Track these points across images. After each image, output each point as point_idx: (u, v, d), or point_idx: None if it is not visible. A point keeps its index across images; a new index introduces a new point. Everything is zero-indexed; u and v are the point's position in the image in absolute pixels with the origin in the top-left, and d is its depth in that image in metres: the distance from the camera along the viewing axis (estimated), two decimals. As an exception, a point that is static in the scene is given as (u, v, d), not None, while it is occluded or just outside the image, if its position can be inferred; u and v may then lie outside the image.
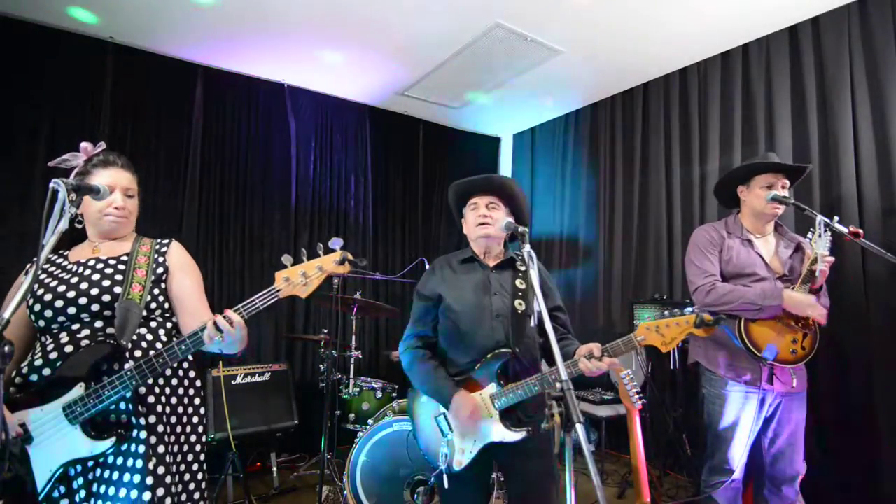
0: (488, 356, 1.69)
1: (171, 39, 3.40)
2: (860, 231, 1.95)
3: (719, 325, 1.41)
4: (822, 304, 2.05)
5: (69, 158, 1.51)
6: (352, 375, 3.24)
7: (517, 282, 1.79)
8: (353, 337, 3.36)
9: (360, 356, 3.33)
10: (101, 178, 1.47)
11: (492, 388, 1.67)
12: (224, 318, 1.28)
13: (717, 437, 2.14)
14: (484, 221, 1.78)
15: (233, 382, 3.28)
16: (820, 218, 1.96)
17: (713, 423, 2.15)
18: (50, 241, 1.16)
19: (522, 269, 1.82)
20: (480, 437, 1.67)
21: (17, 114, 3.10)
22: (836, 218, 1.98)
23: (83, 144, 1.52)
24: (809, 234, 2.01)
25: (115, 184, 1.49)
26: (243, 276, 3.82)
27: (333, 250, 1.32)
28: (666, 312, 1.49)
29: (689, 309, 1.46)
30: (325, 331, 3.18)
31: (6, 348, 0.98)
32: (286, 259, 1.34)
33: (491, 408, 1.66)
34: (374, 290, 4.41)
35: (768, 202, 2.10)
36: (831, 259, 1.95)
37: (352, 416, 3.12)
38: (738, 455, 2.10)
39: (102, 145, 1.54)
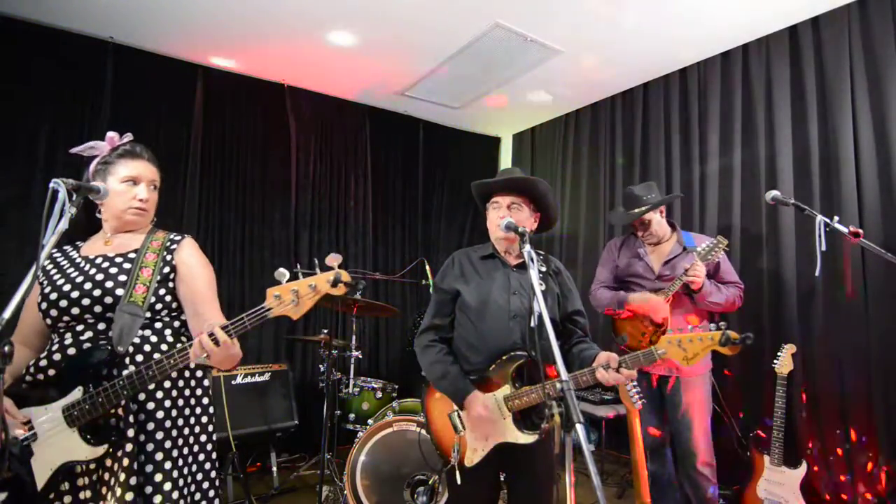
0: (504, 357, 1.68)
1: (171, 39, 3.40)
2: (860, 231, 1.95)
3: (746, 342, 1.39)
4: (718, 298, 2.40)
5: (93, 146, 1.49)
6: (352, 375, 3.24)
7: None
8: (353, 337, 3.36)
9: (360, 356, 3.33)
10: (126, 168, 1.47)
11: (506, 389, 1.66)
12: (210, 336, 1.22)
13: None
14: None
15: (233, 382, 3.27)
16: (820, 218, 1.96)
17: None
18: (50, 241, 1.15)
19: (543, 269, 1.79)
20: (493, 436, 1.66)
21: (17, 114, 3.10)
22: (836, 218, 1.98)
23: (109, 134, 1.50)
24: (699, 247, 2.39)
25: (141, 176, 1.49)
26: (243, 276, 3.81)
27: (330, 268, 1.19)
28: (690, 327, 1.48)
29: (713, 325, 1.45)
30: (325, 331, 3.18)
31: (6, 348, 0.98)
32: (279, 275, 1.22)
33: (504, 409, 1.65)
34: (374, 290, 4.41)
35: (769, 201, 2.12)
36: (695, 274, 2.32)
37: (352, 416, 3.11)
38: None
39: (129, 136, 1.53)
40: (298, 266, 1.21)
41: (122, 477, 1.27)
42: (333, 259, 1.20)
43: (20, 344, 1.43)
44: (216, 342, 1.22)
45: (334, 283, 1.17)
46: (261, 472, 3.47)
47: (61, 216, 1.17)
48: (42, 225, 1.15)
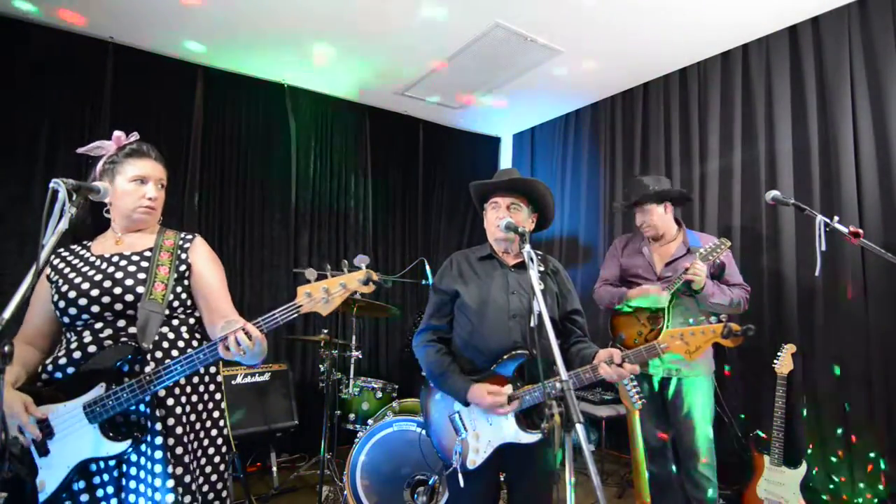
0: (505, 357, 1.68)
1: (172, 39, 3.40)
2: (860, 231, 1.95)
3: (748, 334, 1.38)
4: (721, 299, 2.33)
5: (100, 146, 1.50)
6: (352, 375, 3.24)
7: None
8: (353, 337, 3.36)
9: (360, 356, 3.33)
10: (134, 168, 1.48)
11: (508, 389, 1.66)
12: (243, 331, 1.26)
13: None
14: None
15: (233, 382, 3.28)
16: (820, 218, 1.96)
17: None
18: (50, 241, 1.15)
19: (541, 269, 1.79)
20: (496, 437, 1.66)
21: (17, 114, 3.10)
22: (836, 218, 1.98)
23: (116, 133, 1.51)
24: (702, 248, 2.34)
25: (149, 175, 1.49)
26: (243, 276, 3.81)
27: (358, 268, 1.30)
28: (691, 320, 1.47)
29: (715, 318, 1.44)
30: (326, 331, 3.18)
31: (6, 348, 0.98)
32: (310, 273, 1.30)
33: None
34: (374, 289, 4.39)
35: (769, 201, 2.12)
36: (695, 272, 2.25)
37: (352, 416, 3.12)
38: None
39: (136, 135, 1.54)
40: (329, 266, 1.32)
41: (158, 469, 1.30)
42: (362, 260, 1.32)
43: (26, 344, 1.44)
44: (248, 338, 1.27)
45: (366, 282, 1.28)
46: (261, 472, 3.47)
47: (61, 216, 1.18)
48: (42, 225, 1.15)
